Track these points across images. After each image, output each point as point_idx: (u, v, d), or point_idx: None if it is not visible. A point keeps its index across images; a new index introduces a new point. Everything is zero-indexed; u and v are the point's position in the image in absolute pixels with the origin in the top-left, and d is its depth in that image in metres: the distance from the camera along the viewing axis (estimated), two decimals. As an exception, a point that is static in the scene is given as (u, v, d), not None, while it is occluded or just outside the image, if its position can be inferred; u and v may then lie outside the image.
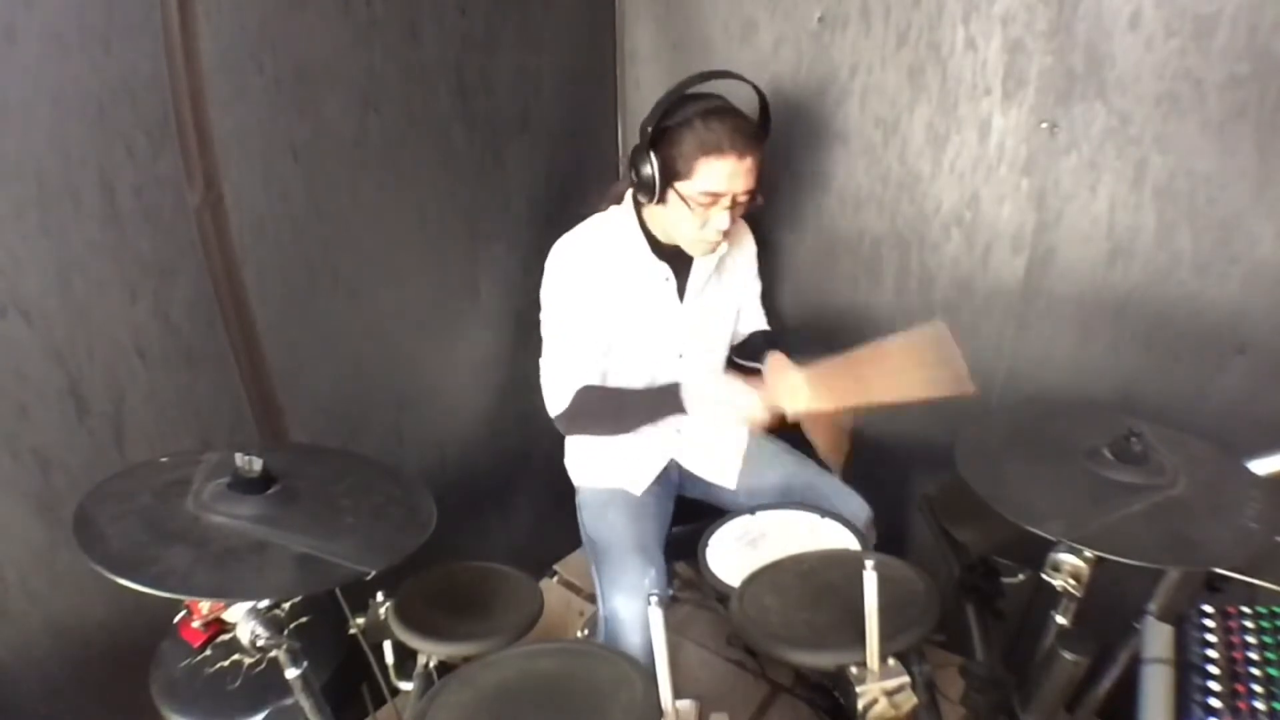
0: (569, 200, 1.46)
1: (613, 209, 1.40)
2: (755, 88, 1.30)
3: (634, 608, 1.23)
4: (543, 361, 1.39)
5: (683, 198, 1.25)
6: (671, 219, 1.30)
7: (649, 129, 1.24)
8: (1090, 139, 1.30)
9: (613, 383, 1.41)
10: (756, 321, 1.58)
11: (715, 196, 1.24)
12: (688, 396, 1.28)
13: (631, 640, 1.21)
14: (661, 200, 1.27)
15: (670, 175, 1.24)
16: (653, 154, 1.24)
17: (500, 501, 1.83)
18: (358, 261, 1.37)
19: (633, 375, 1.42)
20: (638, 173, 1.27)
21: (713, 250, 1.35)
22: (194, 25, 1.07)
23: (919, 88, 1.43)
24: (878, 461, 1.67)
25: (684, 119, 1.23)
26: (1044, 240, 1.39)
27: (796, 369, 1.26)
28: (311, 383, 1.36)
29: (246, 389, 1.27)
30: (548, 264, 1.35)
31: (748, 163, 1.23)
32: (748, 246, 1.51)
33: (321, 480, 0.98)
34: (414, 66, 1.36)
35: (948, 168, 1.45)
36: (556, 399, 1.36)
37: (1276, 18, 1.11)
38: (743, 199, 1.27)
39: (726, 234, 1.30)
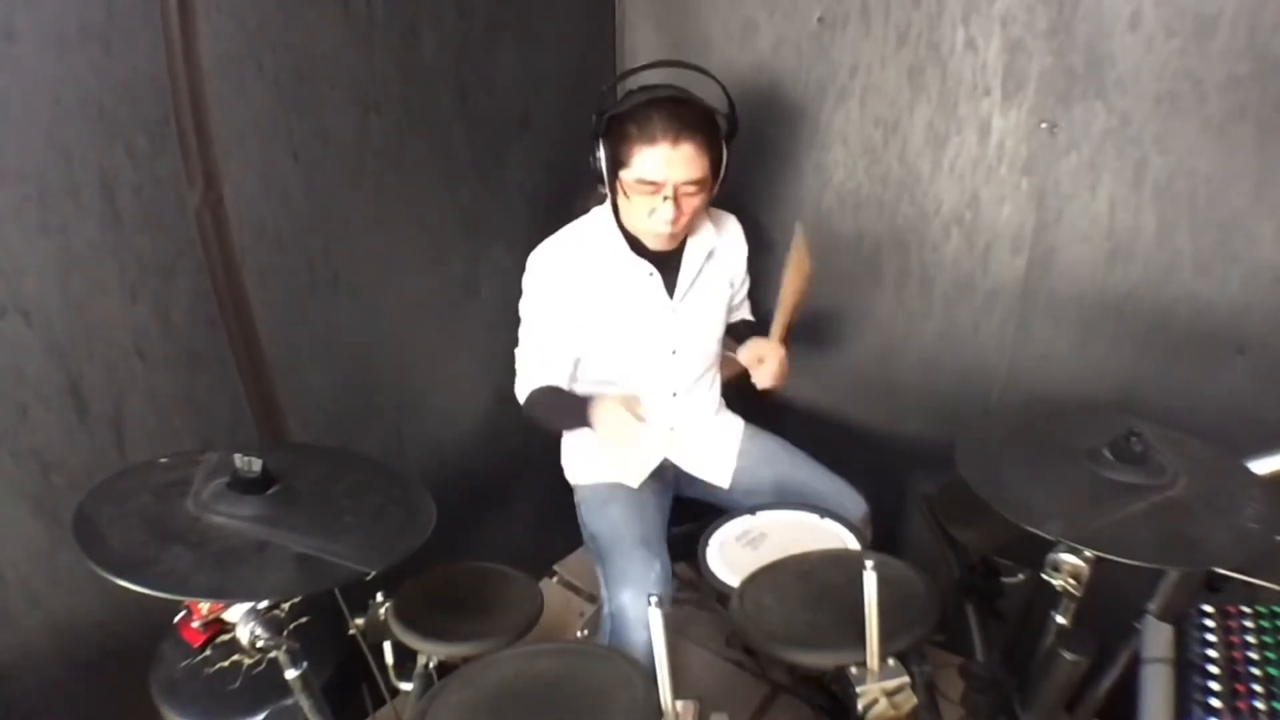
0: (569, 201, 1.46)
1: (595, 210, 1.41)
2: (712, 76, 1.30)
3: (641, 603, 1.22)
4: (516, 353, 1.44)
5: (624, 187, 1.26)
6: (626, 210, 1.31)
7: (596, 118, 1.25)
8: (1090, 139, 1.30)
9: (603, 381, 1.43)
10: (743, 313, 1.61)
11: (654, 186, 1.24)
12: (593, 412, 1.28)
13: (638, 637, 1.21)
14: (613, 191, 1.29)
15: (615, 164, 1.26)
16: (602, 143, 1.25)
17: (500, 501, 1.83)
18: (358, 261, 1.37)
19: (624, 374, 1.42)
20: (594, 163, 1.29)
21: (669, 244, 1.34)
22: (194, 25, 1.07)
23: (919, 88, 1.43)
24: (877, 461, 1.67)
25: (630, 107, 1.23)
26: (1044, 240, 1.39)
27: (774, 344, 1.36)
28: (311, 383, 1.36)
29: (246, 389, 1.27)
30: (525, 273, 1.38)
31: (685, 151, 1.21)
32: (739, 243, 1.51)
33: (321, 480, 0.98)
34: (414, 67, 1.36)
35: (948, 168, 1.45)
36: (519, 392, 1.43)
37: (1276, 18, 1.11)
38: (688, 189, 1.25)
39: (689, 225, 1.32)
